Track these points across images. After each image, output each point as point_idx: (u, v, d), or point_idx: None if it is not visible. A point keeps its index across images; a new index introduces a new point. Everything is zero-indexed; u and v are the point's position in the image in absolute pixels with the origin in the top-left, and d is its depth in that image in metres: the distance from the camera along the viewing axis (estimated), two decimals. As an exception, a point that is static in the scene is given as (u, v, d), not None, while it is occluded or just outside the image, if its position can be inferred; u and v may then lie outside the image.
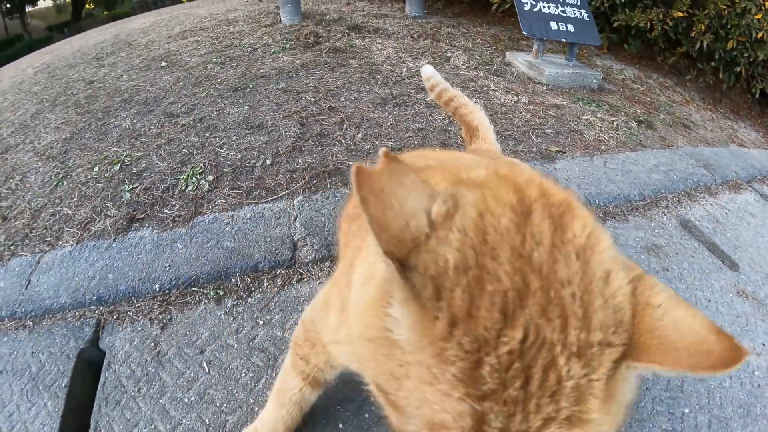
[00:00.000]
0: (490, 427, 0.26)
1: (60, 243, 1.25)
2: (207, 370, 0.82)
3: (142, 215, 1.33)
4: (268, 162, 1.48)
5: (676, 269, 1.32)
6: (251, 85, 2.19)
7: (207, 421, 0.74)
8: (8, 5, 17.88)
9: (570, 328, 0.27)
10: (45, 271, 1.14)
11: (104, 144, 1.78)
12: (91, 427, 0.78)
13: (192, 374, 0.82)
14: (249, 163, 1.49)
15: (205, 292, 1.00)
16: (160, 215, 1.32)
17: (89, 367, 0.90)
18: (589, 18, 2.76)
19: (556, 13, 2.66)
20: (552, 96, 2.35)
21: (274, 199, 1.29)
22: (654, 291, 0.30)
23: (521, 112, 2.08)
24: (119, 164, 1.61)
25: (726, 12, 2.87)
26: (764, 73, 3.13)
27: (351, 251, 0.47)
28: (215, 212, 1.28)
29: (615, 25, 3.15)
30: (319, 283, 0.98)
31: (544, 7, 2.65)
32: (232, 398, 0.76)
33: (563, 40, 2.68)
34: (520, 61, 2.73)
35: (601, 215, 1.49)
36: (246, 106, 1.97)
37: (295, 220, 1.15)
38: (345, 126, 1.74)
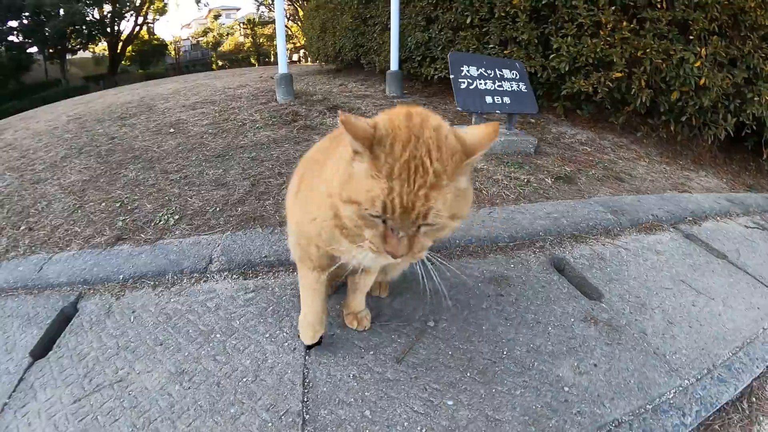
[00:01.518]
0: (394, 190, 0.73)
1: (68, 248, 2.05)
2: (131, 320, 1.54)
3: (126, 237, 2.11)
4: (218, 209, 2.28)
5: (513, 295, 1.60)
6: (230, 153, 3.09)
7: (119, 344, 1.43)
8: (51, 50, 21.24)
9: (432, 152, 0.75)
10: (53, 264, 1.92)
11: (113, 188, 2.64)
12: (56, 343, 1.48)
13: (123, 322, 1.53)
14: (205, 209, 2.29)
15: (149, 282, 1.75)
16: (137, 238, 2.09)
17: (66, 317, 1.62)
18: (527, 89, 3.35)
19: (493, 88, 3.25)
20: (478, 161, 3.00)
21: (212, 233, 2.06)
22: (461, 130, 0.83)
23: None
24: (120, 203, 2.44)
25: (663, 65, 3.27)
26: (714, 118, 3.41)
27: (315, 170, 1.07)
28: (171, 238, 2.05)
29: (563, 93, 3.75)
30: (216, 283, 1.70)
31: (480, 84, 3.24)
32: (138, 336, 1.46)
33: (497, 112, 3.25)
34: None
35: (459, 252, 1.91)
36: (220, 170, 2.83)
37: (218, 246, 1.91)
38: (284, 187, 2.53)
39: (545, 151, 3.31)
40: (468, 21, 4.18)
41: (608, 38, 3.43)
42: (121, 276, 1.78)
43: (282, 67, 4.37)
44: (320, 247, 1.12)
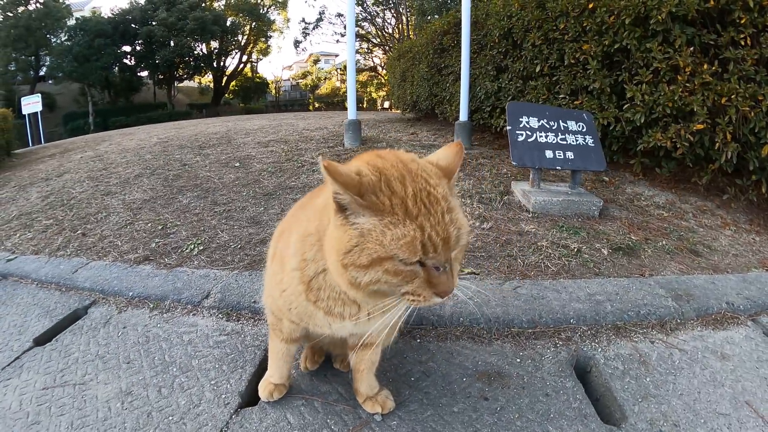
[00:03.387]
0: (425, 226, 0.80)
1: (104, 258, 2.55)
2: (119, 335, 1.90)
3: (153, 258, 2.56)
4: (239, 246, 2.65)
5: (501, 401, 1.41)
6: (278, 193, 3.54)
7: (99, 353, 1.78)
8: (160, 76, 25.83)
9: (428, 180, 0.86)
10: (87, 269, 2.42)
11: (164, 210, 3.22)
12: (56, 337, 1.89)
13: (112, 335, 1.90)
14: (228, 245, 2.68)
15: (150, 303, 2.12)
16: (161, 261, 2.53)
17: (76, 317, 2.05)
18: (595, 144, 3.31)
19: (554, 141, 3.27)
20: (528, 223, 2.89)
21: (224, 268, 2.40)
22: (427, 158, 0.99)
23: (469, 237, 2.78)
24: (162, 226, 2.95)
25: (751, 114, 3.03)
26: None
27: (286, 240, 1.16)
28: (187, 267, 2.44)
29: (640, 147, 3.58)
30: (201, 318, 1.99)
31: (540, 137, 3.27)
32: (116, 351, 1.80)
33: (558, 168, 3.23)
34: (518, 190, 3.44)
35: (458, 333, 1.78)
36: (262, 208, 3.26)
37: (221, 282, 2.23)
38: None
39: (612, 215, 3.14)
40: (537, 70, 4.31)
41: (687, 84, 3.28)
42: (131, 293, 2.19)
43: (351, 114, 5.01)
44: (294, 322, 1.22)
